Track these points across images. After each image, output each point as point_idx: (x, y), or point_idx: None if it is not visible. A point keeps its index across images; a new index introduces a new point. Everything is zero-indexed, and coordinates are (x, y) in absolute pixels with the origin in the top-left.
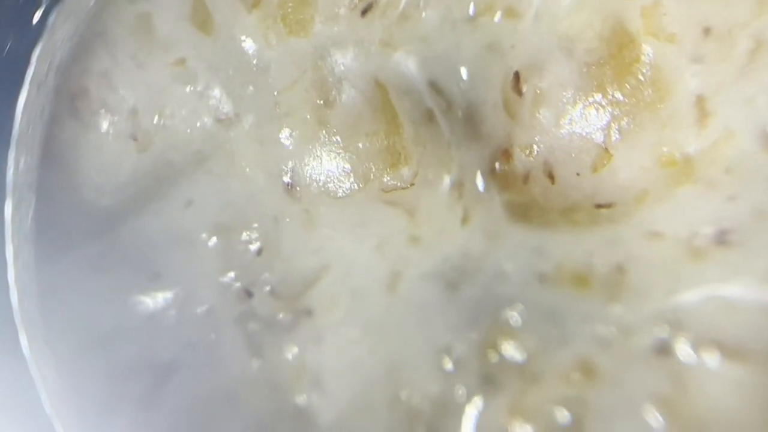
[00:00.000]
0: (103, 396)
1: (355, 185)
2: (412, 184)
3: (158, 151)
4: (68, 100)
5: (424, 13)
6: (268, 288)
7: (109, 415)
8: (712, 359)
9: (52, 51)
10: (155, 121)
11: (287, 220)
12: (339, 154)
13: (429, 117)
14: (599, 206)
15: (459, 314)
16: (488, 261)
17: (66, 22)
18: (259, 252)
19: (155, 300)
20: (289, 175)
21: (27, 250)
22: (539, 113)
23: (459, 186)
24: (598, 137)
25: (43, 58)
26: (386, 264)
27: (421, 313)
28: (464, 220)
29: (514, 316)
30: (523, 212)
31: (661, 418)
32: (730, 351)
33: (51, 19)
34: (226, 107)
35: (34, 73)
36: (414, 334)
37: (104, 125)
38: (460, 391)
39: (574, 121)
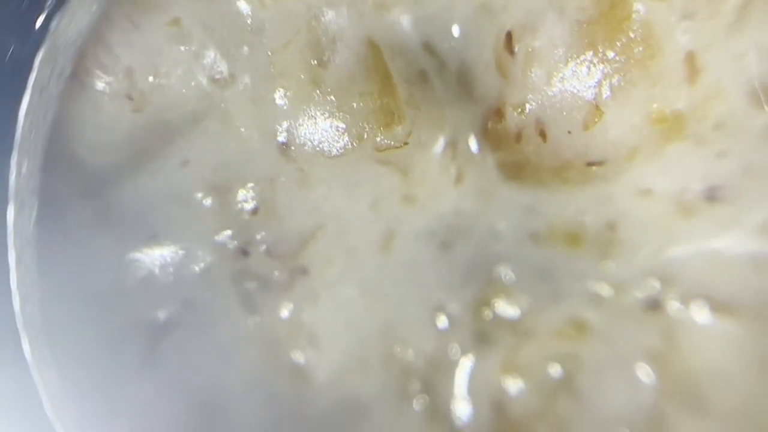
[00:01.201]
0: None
1: (349, 144)
2: (405, 143)
3: (154, 110)
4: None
5: None
6: (263, 247)
7: (110, 420)
8: (702, 314)
9: (54, 56)
10: (150, 81)
11: (282, 179)
12: (333, 113)
13: (422, 77)
14: (591, 164)
15: (453, 273)
16: (481, 220)
17: (69, 26)
18: (255, 211)
19: (152, 259)
20: (283, 134)
21: (29, 255)
22: (531, 72)
23: (452, 146)
24: (589, 95)
25: (46, 62)
26: (380, 223)
27: (415, 272)
28: (457, 179)
29: (507, 274)
30: (516, 171)
31: (652, 373)
32: (720, 306)
33: (53, 23)
34: (221, 67)
35: (36, 78)
36: (408, 292)
37: (100, 85)
38: (454, 347)
39: (566, 80)
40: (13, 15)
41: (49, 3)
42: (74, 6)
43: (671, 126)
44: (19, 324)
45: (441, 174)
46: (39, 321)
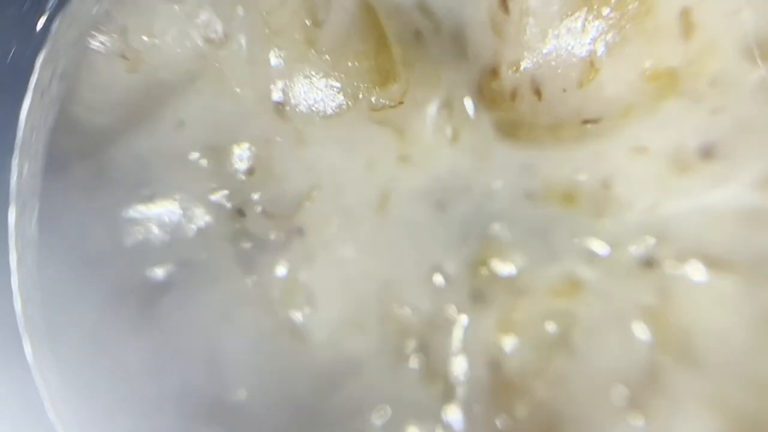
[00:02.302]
0: (107, 395)
1: (345, 104)
2: (400, 103)
3: (149, 70)
4: None
5: None
6: (260, 207)
7: (112, 422)
8: (697, 271)
9: (55, 57)
10: (145, 41)
11: (278, 139)
12: (328, 73)
13: (417, 37)
14: (586, 122)
15: (449, 232)
16: (477, 179)
17: (70, 28)
18: (251, 172)
19: (148, 220)
20: (278, 94)
21: (30, 257)
22: (526, 30)
23: (448, 106)
24: (584, 52)
25: (47, 64)
26: (376, 183)
27: (411, 232)
28: (453, 139)
29: (502, 233)
30: (511, 130)
31: (647, 330)
32: (714, 262)
33: (55, 25)
34: (216, 27)
35: (37, 80)
36: (404, 252)
37: (94, 44)
38: (451, 306)
39: (561, 37)
40: (15, 17)
41: (50, 5)
42: (75, 8)
43: (666, 83)
44: (21, 326)
45: (436, 134)
46: (40, 323)
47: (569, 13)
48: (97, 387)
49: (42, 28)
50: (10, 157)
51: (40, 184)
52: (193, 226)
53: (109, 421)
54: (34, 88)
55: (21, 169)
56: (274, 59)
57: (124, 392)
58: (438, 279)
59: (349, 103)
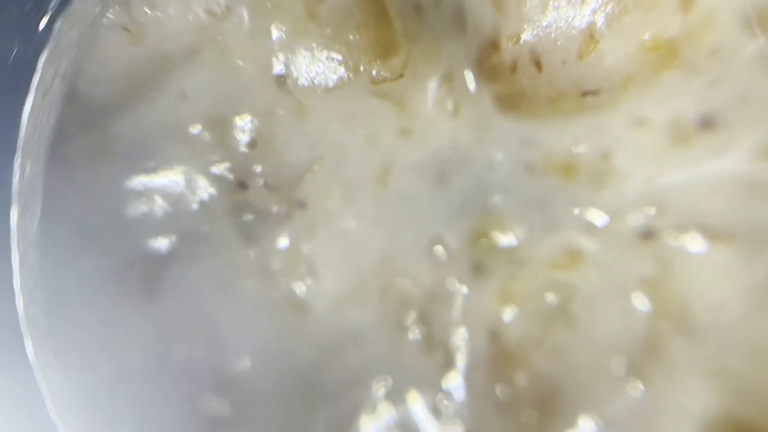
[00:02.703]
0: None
1: (346, 76)
2: (401, 76)
3: (151, 43)
4: None
5: None
6: (261, 180)
7: (115, 422)
8: (696, 242)
9: (58, 58)
10: (148, 13)
11: (279, 112)
12: (329, 46)
13: (418, 10)
14: (585, 93)
15: (449, 205)
16: (477, 152)
17: (72, 28)
18: (253, 144)
19: (150, 192)
20: (280, 67)
21: (33, 257)
22: (526, 2)
23: (448, 79)
24: (584, 24)
25: (49, 64)
26: (377, 156)
27: (411, 204)
28: (453, 112)
29: (502, 205)
30: (512, 103)
31: (647, 301)
32: (714, 233)
33: (57, 25)
34: (218, 0)
35: (40, 80)
36: (405, 224)
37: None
38: (451, 278)
39: (561, 9)
40: (17, 17)
41: (52, 5)
42: (77, 8)
43: (665, 54)
44: (23, 326)
45: (437, 107)
46: (42, 323)
47: None
48: (99, 387)
49: (44, 28)
50: (12, 157)
51: (43, 184)
52: (195, 199)
53: (112, 421)
54: (36, 88)
55: (23, 169)
56: (275, 32)
57: (126, 390)
58: (438, 251)
59: (350, 75)
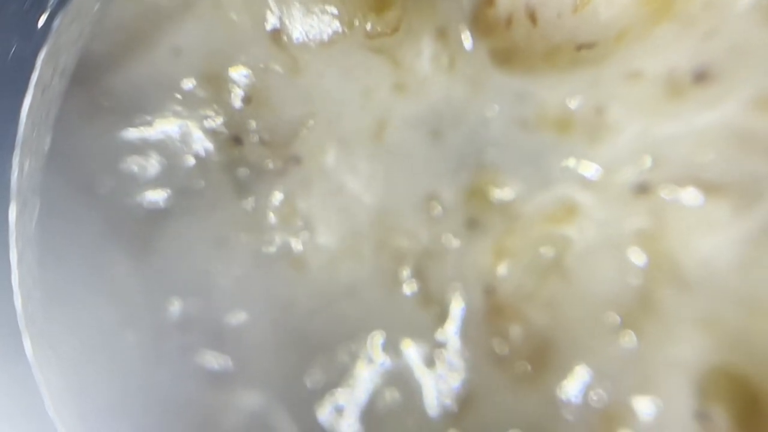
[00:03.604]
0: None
1: (340, 30)
2: (396, 30)
3: None
4: None
5: None
6: (256, 136)
7: (113, 419)
8: (690, 194)
9: (57, 55)
10: None
11: (274, 67)
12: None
13: None
14: (580, 47)
15: (444, 161)
16: (472, 108)
17: (71, 25)
18: (248, 100)
19: (144, 147)
20: (274, 21)
21: (31, 254)
22: None
23: (443, 34)
24: None
25: (48, 61)
26: (372, 111)
27: (407, 160)
28: (448, 67)
29: (497, 161)
30: (507, 58)
31: (641, 254)
32: (708, 186)
33: (56, 22)
34: None
35: (38, 77)
36: (400, 180)
37: None
38: (446, 233)
39: None
40: (16, 14)
41: (51, 2)
42: (77, 5)
43: (659, 6)
44: (21, 323)
45: (432, 62)
46: (41, 320)
47: None
48: (97, 384)
49: (43, 25)
50: (11, 154)
51: (41, 182)
52: (190, 154)
53: (110, 419)
54: (35, 85)
55: (22, 166)
56: None
57: (125, 387)
58: (433, 206)
59: (345, 29)
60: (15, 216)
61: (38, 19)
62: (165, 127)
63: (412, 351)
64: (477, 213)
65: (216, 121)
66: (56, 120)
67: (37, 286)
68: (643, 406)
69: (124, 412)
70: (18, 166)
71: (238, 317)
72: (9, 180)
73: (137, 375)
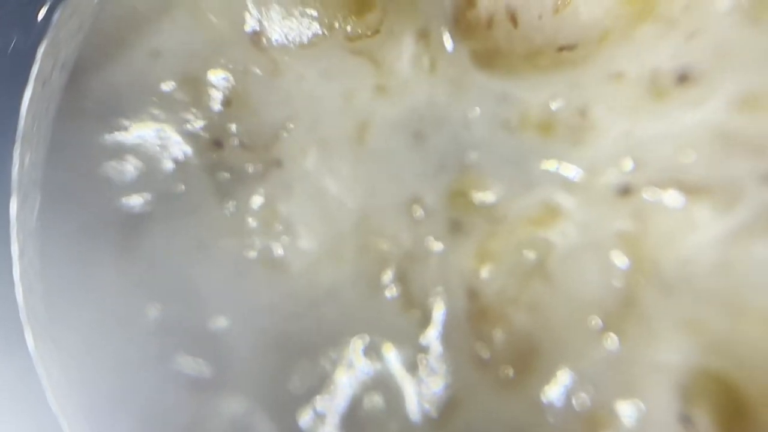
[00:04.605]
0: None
1: (321, 32)
2: (377, 32)
3: None
4: None
5: None
6: (237, 139)
7: (115, 412)
8: (673, 196)
9: (57, 48)
10: None
11: (254, 70)
12: (303, 1)
13: None
14: (561, 49)
15: (426, 163)
16: (454, 110)
17: (71, 18)
18: (228, 103)
19: (124, 152)
20: (254, 23)
21: (32, 247)
22: None
23: (424, 36)
24: None
25: (48, 54)
26: (353, 114)
27: (389, 163)
28: (430, 69)
29: (480, 163)
30: (488, 60)
31: (624, 256)
32: (690, 187)
33: (56, 15)
34: None
35: (39, 70)
36: (382, 182)
37: None
38: (429, 236)
39: None
40: (16, 7)
41: None
42: None
43: (641, 7)
44: (23, 316)
45: (413, 64)
46: (42, 313)
47: None
48: (98, 377)
49: (43, 18)
50: (12, 147)
51: (42, 175)
52: (170, 158)
53: (112, 410)
54: (36, 78)
55: (22, 159)
56: None
57: (127, 379)
58: (416, 209)
59: (325, 32)
60: (16, 209)
61: (38, 13)
62: (144, 131)
63: (393, 355)
64: (459, 216)
65: (196, 125)
66: (57, 113)
67: (39, 279)
68: (626, 410)
69: (126, 405)
70: (19, 159)
71: (219, 322)
72: (10, 173)
73: (134, 372)
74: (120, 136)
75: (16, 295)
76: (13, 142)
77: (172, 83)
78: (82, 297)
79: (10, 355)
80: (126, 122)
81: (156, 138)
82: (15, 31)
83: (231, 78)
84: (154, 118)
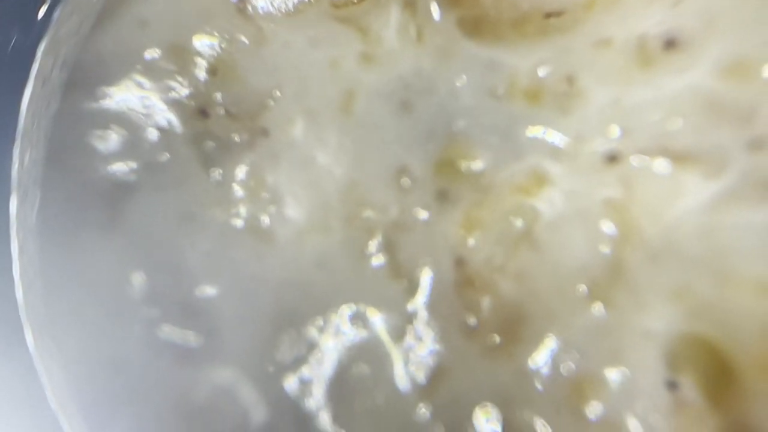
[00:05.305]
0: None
1: None
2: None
3: None
4: None
5: None
6: (223, 108)
7: (114, 410)
8: (660, 163)
9: (57, 46)
10: None
11: (240, 38)
12: None
13: None
14: (548, 15)
15: (414, 133)
16: (441, 78)
17: (71, 16)
18: (213, 72)
19: (108, 122)
20: None
21: (32, 245)
22: None
23: (411, 4)
24: None
25: (48, 53)
26: (340, 83)
27: (376, 132)
28: (417, 38)
29: (467, 132)
30: (475, 27)
31: (611, 224)
32: (677, 155)
33: (56, 14)
34: None
35: (39, 68)
36: (369, 152)
37: None
38: (416, 205)
39: None
40: (16, 6)
41: None
42: None
43: None
44: (22, 315)
45: (400, 33)
46: (42, 311)
47: None
48: (98, 375)
49: (43, 16)
50: (12, 145)
51: (42, 173)
52: (156, 127)
53: (111, 409)
54: (36, 76)
55: (22, 157)
56: None
57: (126, 377)
58: (403, 178)
59: None
60: (16, 207)
61: (38, 11)
62: (130, 100)
63: (381, 324)
64: (447, 184)
65: (182, 93)
66: (57, 111)
67: (38, 276)
68: (614, 376)
69: (125, 402)
70: (19, 158)
71: (206, 292)
72: (10, 171)
73: (136, 365)
74: (105, 105)
75: (15, 293)
76: (13, 140)
77: (158, 52)
78: (82, 294)
79: (10, 353)
80: (111, 91)
81: (141, 107)
82: (15, 29)
83: (217, 46)
84: (140, 87)
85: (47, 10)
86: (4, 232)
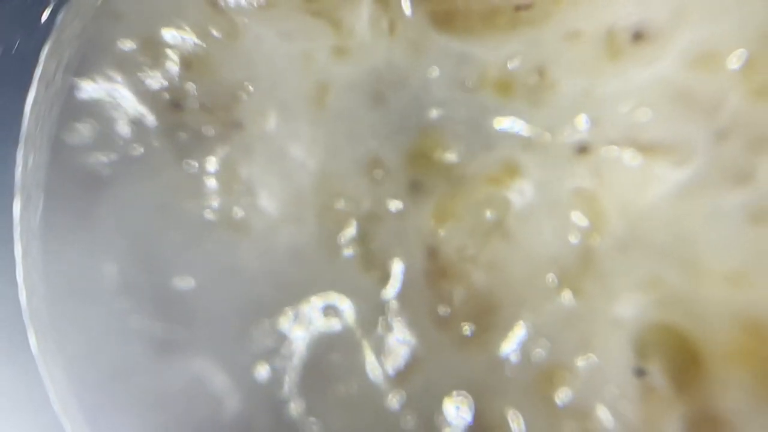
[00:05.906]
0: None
1: None
2: None
3: None
4: None
5: None
6: (196, 100)
7: (117, 414)
8: (630, 154)
9: (60, 50)
10: None
11: (213, 31)
12: None
13: None
14: (518, 8)
15: (386, 125)
16: (414, 71)
17: (74, 20)
18: (187, 64)
19: (82, 114)
20: None
21: (35, 248)
22: None
23: None
24: None
25: (52, 56)
26: (313, 76)
27: (349, 124)
28: (389, 31)
29: (439, 124)
30: (446, 20)
31: (581, 214)
32: (647, 145)
33: (59, 17)
34: None
35: (42, 72)
36: (342, 144)
37: None
38: (389, 196)
39: None
40: (19, 9)
41: None
42: (79, 0)
43: None
44: (26, 318)
45: (372, 25)
46: (45, 315)
47: None
48: (101, 378)
49: (46, 20)
50: (15, 148)
51: (45, 176)
52: (129, 119)
53: (114, 413)
54: (39, 80)
55: (26, 161)
56: None
57: (129, 381)
58: (376, 170)
59: None
60: (19, 210)
61: (41, 15)
62: (104, 92)
63: (353, 314)
64: (419, 176)
65: (155, 86)
66: (60, 115)
67: (42, 280)
68: (583, 363)
69: (128, 406)
70: (22, 161)
71: (180, 283)
72: (13, 175)
73: (142, 370)
74: (78, 98)
75: (19, 296)
76: (16, 144)
77: (132, 44)
78: (85, 297)
79: (14, 357)
80: (85, 83)
81: (114, 99)
82: (18, 33)
83: (190, 40)
84: (113, 80)
85: (50, 13)
86: (7, 235)
